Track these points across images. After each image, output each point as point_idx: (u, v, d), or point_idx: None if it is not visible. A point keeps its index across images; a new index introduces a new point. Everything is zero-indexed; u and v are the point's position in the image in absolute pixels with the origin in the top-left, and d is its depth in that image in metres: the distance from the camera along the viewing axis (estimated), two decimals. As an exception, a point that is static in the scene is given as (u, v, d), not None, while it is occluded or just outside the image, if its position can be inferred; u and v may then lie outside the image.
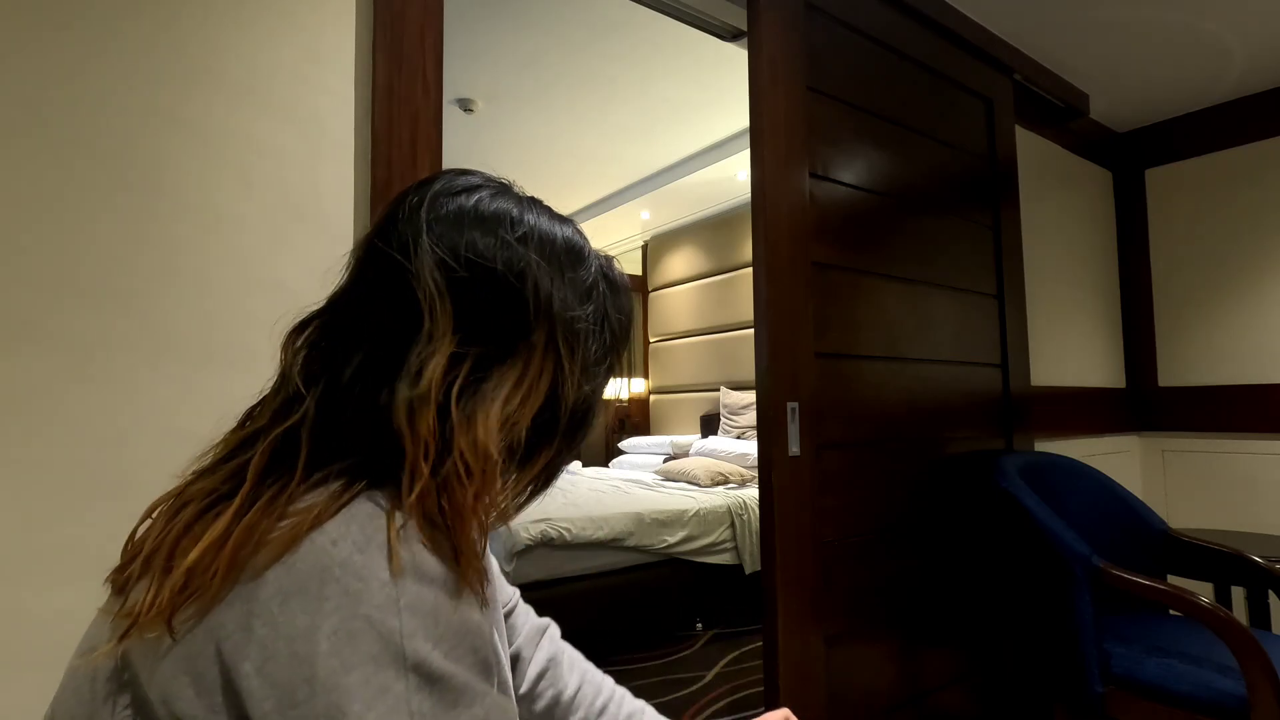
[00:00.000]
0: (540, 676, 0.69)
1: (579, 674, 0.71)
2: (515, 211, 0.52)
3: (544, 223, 0.53)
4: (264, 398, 0.50)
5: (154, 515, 0.47)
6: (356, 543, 0.40)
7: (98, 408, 0.82)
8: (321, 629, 0.38)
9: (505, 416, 0.47)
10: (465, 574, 0.44)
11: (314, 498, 0.43)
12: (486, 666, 0.43)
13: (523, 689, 0.68)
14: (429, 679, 0.40)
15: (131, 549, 0.46)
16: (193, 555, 0.40)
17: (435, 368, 0.45)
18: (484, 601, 0.45)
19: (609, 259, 0.59)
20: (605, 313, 0.55)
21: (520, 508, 0.53)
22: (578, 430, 0.54)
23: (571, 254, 0.53)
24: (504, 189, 0.54)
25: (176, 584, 0.40)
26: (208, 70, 0.92)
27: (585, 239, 0.57)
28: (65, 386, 0.80)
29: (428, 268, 0.47)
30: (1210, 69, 2.37)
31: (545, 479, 0.54)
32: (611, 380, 0.58)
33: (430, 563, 0.42)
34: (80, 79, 0.83)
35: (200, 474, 0.47)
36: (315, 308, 0.52)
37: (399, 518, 0.42)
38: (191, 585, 0.40)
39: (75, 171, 0.82)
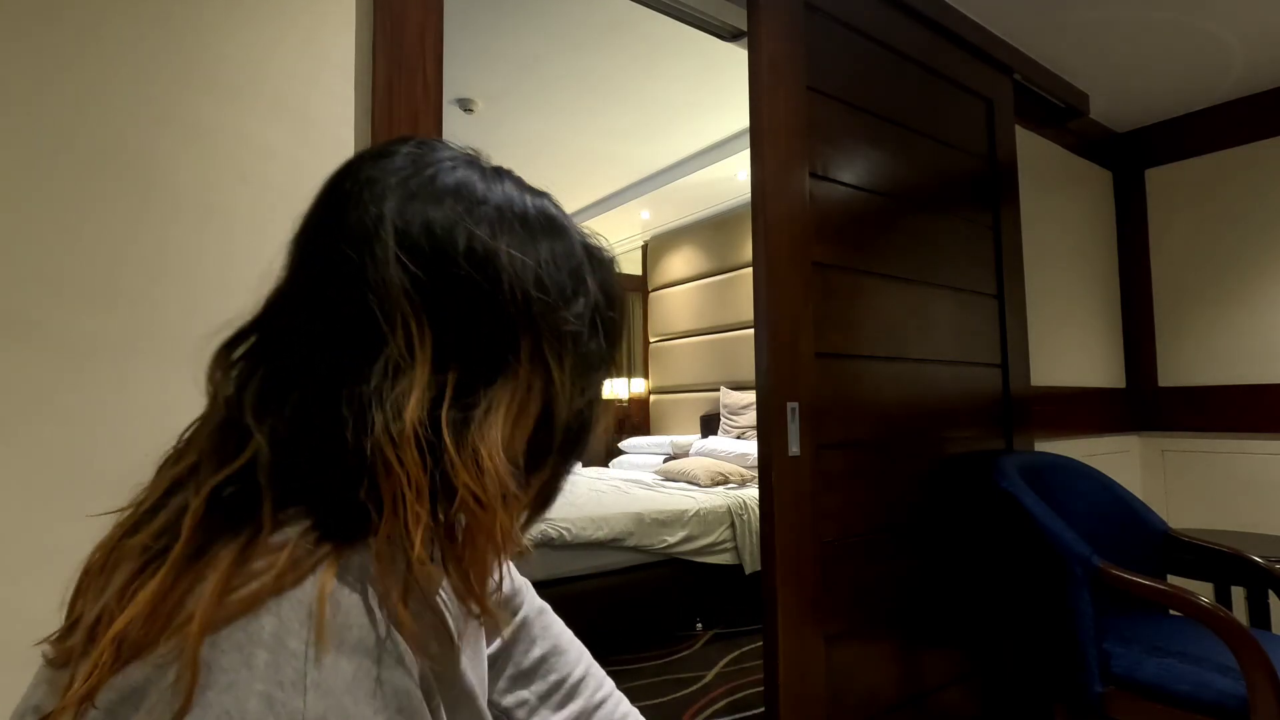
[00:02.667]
0: (544, 659, 0.68)
1: (584, 666, 0.70)
2: (480, 188, 0.44)
3: (515, 196, 0.46)
4: (194, 430, 0.43)
5: (88, 574, 0.40)
6: (270, 606, 0.35)
7: (94, 406, 0.82)
8: (213, 707, 0.32)
9: (501, 441, 0.41)
10: (486, 612, 0.40)
11: (269, 559, 0.36)
12: None
13: (522, 667, 0.67)
14: None
15: (70, 617, 0.40)
16: (118, 625, 0.35)
17: (415, 397, 0.39)
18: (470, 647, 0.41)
19: (594, 237, 0.51)
20: (596, 306, 0.47)
21: (515, 539, 0.48)
22: (575, 447, 0.48)
23: (550, 235, 0.46)
24: (468, 160, 0.46)
25: (106, 660, 0.34)
26: (203, 69, 0.92)
27: (564, 214, 0.49)
28: (60, 385, 0.80)
29: (391, 270, 0.40)
30: (1210, 69, 2.37)
31: (542, 502, 0.48)
32: (608, 381, 0.51)
33: (362, 627, 0.36)
34: (73, 76, 0.83)
35: (136, 523, 0.40)
36: (249, 318, 0.44)
37: (350, 577, 0.37)
38: (122, 656, 0.34)
39: (70, 169, 0.82)
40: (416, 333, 0.40)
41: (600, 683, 0.70)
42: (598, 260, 0.49)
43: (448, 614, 0.45)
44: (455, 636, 0.46)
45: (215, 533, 0.37)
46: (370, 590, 0.37)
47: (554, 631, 0.70)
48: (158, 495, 0.41)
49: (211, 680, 0.33)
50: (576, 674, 0.69)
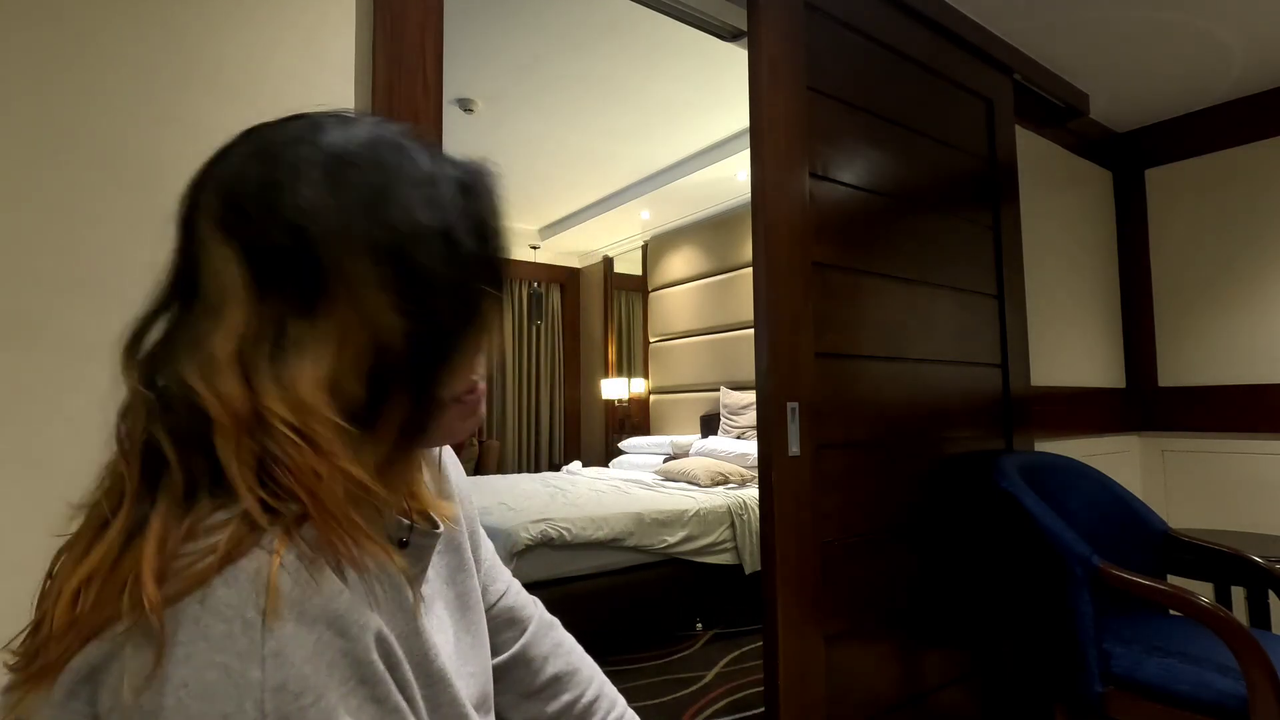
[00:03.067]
0: (557, 679, 0.68)
1: (596, 685, 0.70)
2: (317, 132, 0.43)
3: (355, 132, 0.44)
4: None
5: (52, 578, 0.41)
6: (224, 576, 0.35)
7: (94, 407, 0.82)
8: (170, 679, 0.32)
9: (323, 377, 0.40)
10: (344, 555, 0.37)
11: (221, 532, 0.36)
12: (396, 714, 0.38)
13: (534, 686, 0.67)
14: None
15: (37, 616, 0.39)
16: (66, 595, 0.35)
17: (222, 339, 0.39)
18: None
19: (477, 163, 0.48)
20: (446, 227, 0.44)
21: (392, 477, 0.44)
22: (429, 373, 0.44)
23: (395, 163, 0.44)
24: (330, 114, 0.46)
25: (63, 637, 0.35)
26: (203, 69, 0.92)
27: (427, 144, 0.47)
28: (62, 386, 0.80)
29: (205, 219, 0.42)
30: (1210, 69, 2.37)
31: (407, 437, 0.44)
32: (480, 308, 0.46)
33: (316, 594, 0.36)
34: (73, 76, 0.83)
35: (89, 519, 0.41)
36: (151, 302, 0.45)
37: (304, 545, 0.37)
38: (80, 636, 0.35)
39: (70, 169, 0.82)
40: (231, 283, 0.40)
41: (613, 703, 0.70)
42: (466, 186, 0.46)
43: (393, 577, 0.45)
44: (410, 596, 0.46)
45: (149, 503, 0.38)
46: (321, 558, 0.37)
47: (565, 648, 0.70)
48: (111, 477, 0.43)
49: (168, 653, 0.33)
50: (589, 695, 0.68)
